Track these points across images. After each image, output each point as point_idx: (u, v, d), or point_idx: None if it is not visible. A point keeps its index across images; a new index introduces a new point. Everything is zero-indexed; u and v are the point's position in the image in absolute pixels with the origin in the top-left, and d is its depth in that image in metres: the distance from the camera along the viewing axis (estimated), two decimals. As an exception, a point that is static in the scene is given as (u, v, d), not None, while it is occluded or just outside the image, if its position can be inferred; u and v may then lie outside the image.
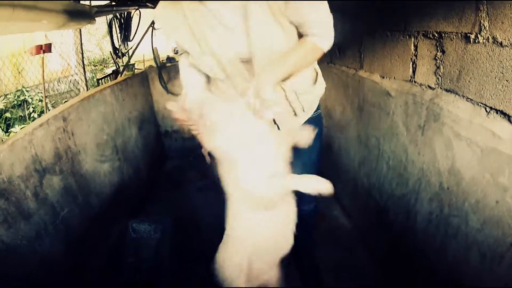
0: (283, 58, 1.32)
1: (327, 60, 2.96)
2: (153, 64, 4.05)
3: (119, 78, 3.55)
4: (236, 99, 1.34)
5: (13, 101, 6.58)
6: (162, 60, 4.15)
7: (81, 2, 3.01)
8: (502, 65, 1.20)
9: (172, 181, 3.73)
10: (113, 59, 4.34)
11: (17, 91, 6.73)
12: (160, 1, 1.37)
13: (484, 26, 1.27)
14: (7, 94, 6.66)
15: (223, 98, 1.47)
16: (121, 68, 4.13)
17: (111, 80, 3.73)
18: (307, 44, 1.34)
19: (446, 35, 1.51)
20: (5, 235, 1.47)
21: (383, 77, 2.10)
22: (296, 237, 1.50)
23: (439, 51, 1.58)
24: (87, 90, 3.24)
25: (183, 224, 2.68)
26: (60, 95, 7.29)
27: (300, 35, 1.38)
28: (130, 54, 4.43)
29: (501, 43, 1.20)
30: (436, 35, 1.58)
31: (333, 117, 2.93)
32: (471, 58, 1.36)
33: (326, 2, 1.29)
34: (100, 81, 3.93)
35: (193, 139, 4.14)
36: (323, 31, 1.33)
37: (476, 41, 1.32)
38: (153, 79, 4.06)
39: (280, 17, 1.25)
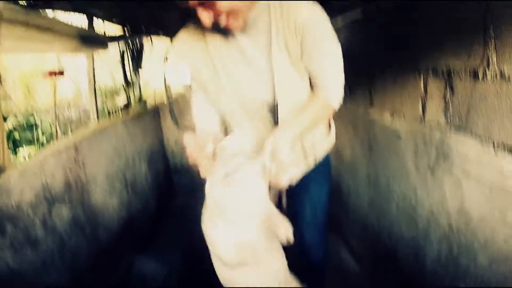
0: (297, 116, 1.30)
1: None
2: (165, 99, 4.13)
3: (131, 112, 3.61)
4: (248, 147, 1.33)
5: (22, 123, 6.68)
6: (174, 95, 4.22)
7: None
8: (509, 101, 1.21)
9: (181, 216, 3.71)
10: (124, 89, 4.43)
11: (26, 112, 6.82)
12: (181, 33, 1.35)
13: (492, 60, 1.29)
14: (16, 115, 6.75)
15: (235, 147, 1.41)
16: (132, 101, 4.21)
17: (121, 113, 3.79)
18: (319, 102, 1.34)
19: (455, 72, 1.52)
20: (11, 261, 1.48)
21: (393, 116, 2.10)
22: None
23: (448, 89, 1.59)
24: (98, 119, 3.30)
25: (191, 259, 2.65)
26: (69, 122, 7.39)
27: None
28: (141, 86, 4.52)
29: (508, 78, 1.22)
30: (445, 72, 1.60)
31: (343, 157, 2.93)
32: (479, 95, 1.37)
33: (341, 59, 1.31)
34: (111, 113, 3.99)
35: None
36: (333, 86, 1.33)
37: (484, 76, 1.33)
38: (164, 114, 4.14)
39: (299, 64, 1.27)
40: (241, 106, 1.36)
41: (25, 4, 2.09)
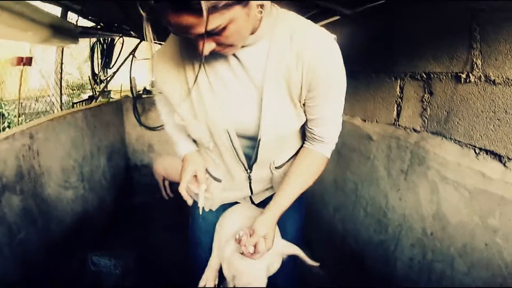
0: (293, 179, 1.20)
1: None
2: (129, 94, 3.97)
3: (93, 104, 3.45)
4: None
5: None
6: (139, 91, 4.08)
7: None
8: (494, 104, 1.20)
9: (138, 217, 3.57)
10: (90, 84, 4.25)
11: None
12: (164, 46, 1.15)
13: (476, 64, 1.28)
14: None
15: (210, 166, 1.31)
16: (97, 94, 4.03)
17: (85, 105, 3.62)
18: (316, 156, 1.21)
19: (435, 75, 1.51)
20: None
21: (365, 121, 2.08)
22: None
23: (426, 92, 1.58)
24: (61, 111, 3.12)
25: (146, 262, 2.53)
26: (35, 114, 7.14)
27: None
28: (107, 81, 4.36)
29: (493, 81, 1.21)
30: (425, 76, 1.58)
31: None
32: (460, 98, 1.37)
33: (343, 102, 1.13)
34: (75, 105, 3.81)
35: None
36: (333, 139, 1.19)
37: (468, 80, 1.32)
38: (128, 110, 3.96)
39: (297, 100, 1.08)
40: (212, 137, 1.17)
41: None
